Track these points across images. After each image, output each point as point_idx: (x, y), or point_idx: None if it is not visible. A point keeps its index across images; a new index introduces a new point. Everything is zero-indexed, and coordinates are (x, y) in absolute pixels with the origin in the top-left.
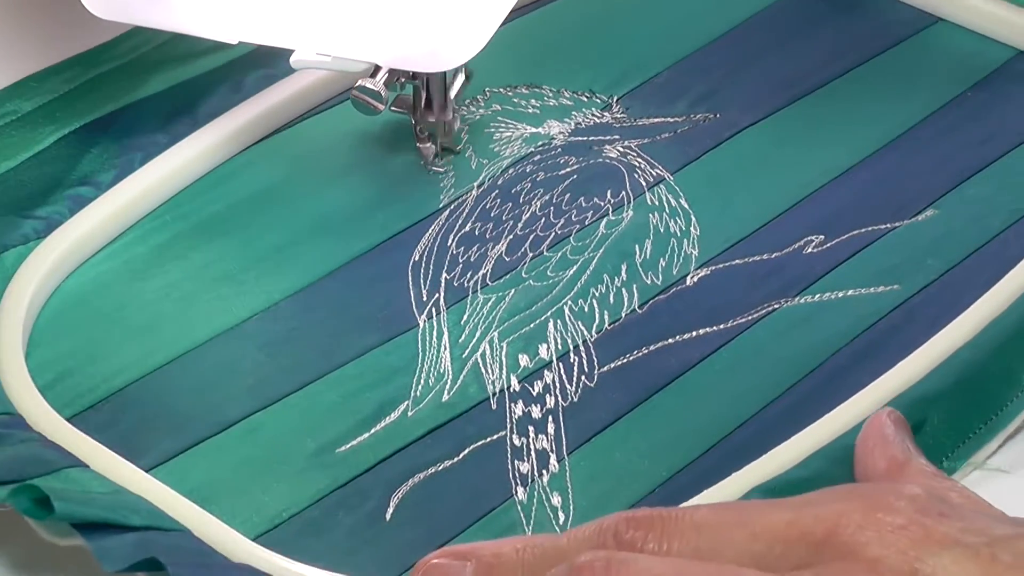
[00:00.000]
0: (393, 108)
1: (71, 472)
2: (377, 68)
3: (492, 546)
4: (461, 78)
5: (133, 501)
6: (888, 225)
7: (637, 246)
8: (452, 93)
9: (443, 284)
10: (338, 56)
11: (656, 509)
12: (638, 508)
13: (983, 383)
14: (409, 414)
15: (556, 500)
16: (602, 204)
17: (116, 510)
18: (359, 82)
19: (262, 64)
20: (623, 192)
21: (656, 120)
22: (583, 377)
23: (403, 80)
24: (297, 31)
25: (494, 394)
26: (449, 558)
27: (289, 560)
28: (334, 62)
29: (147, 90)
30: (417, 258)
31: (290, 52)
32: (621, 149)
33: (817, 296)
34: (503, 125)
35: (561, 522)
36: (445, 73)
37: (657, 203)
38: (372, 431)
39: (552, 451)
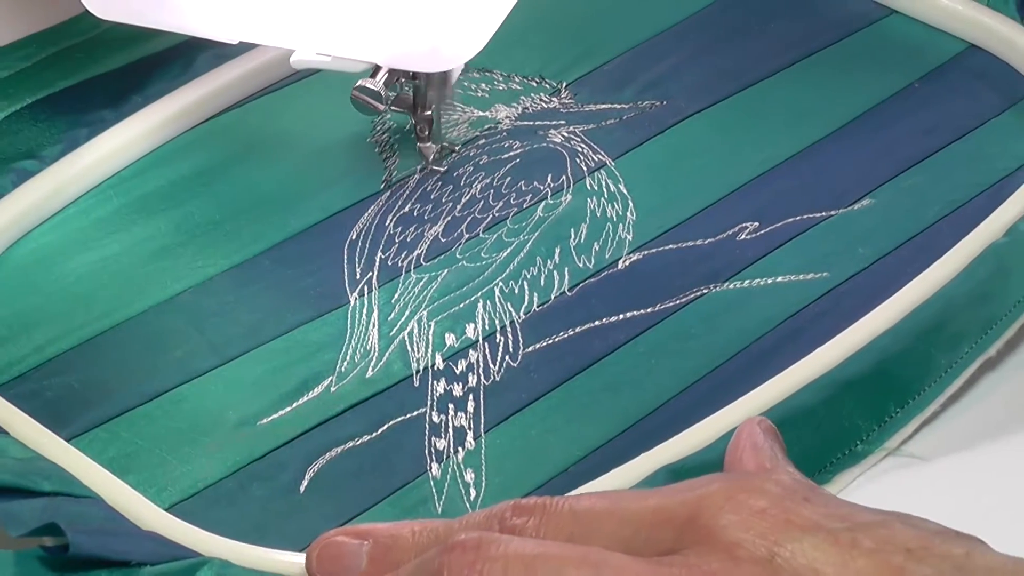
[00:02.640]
0: (393, 108)
1: None
2: (377, 68)
3: (390, 527)
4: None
5: (46, 468)
6: (823, 213)
7: (573, 229)
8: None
9: (377, 263)
10: (338, 56)
11: (543, 498)
12: (529, 497)
13: (901, 369)
14: (332, 389)
15: (469, 476)
16: (541, 188)
17: (26, 476)
18: (359, 82)
19: (214, 44)
20: (563, 176)
21: (603, 106)
22: (507, 357)
23: (403, 80)
24: (297, 31)
25: (417, 371)
26: (348, 536)
27: (197, 529)
28: (334, 62)
29: (101, 68)
30: (354, 237)
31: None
32: (566, 134)
33: (747, 282)
34: (451, 108)
35: (472, 498)
36: (445, 72)
37: (596, 188)
38: (294, 405)
39: (469, 428)
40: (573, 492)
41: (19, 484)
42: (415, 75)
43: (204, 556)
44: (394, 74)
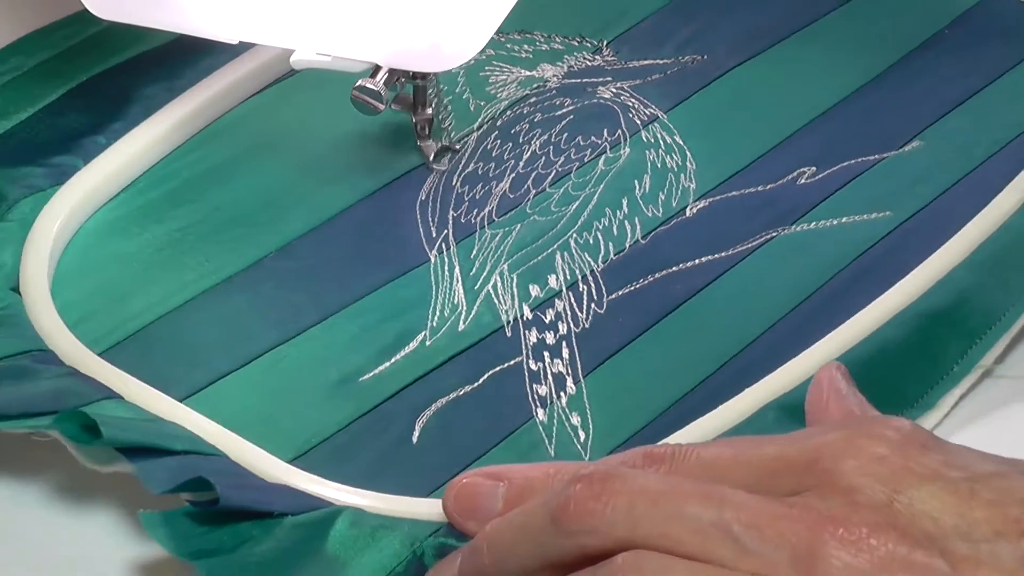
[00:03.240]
0: (393, 107)
1: (106, 403)
2: (377, 68)
3: (524, 469)
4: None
5: (171, 428)
6: (877, 156)
7: (636, 181)
8: None
9: (451, 221)
10: (338, 56)
11: (673, 445)
12: (658, 444)
13: (983, 295)
14: (427, 343)
15: (576, 420)
16: (599, 142)
17: (159, 436)
18: (359, 82)
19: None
20: (619, 131)
21: (645, 62)
22: (593, 304)
23: (403, 80)
24: (297, 31)
25: (508, 323)
26: (482, 478)
27: (324, 480)
28: (334, 62)
29: (150, 43)
30: (424, 198)
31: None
32: (614, 90)
33: (812, 224)
34: (497, 69)
35: (582, 440)
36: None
37: (652, 140)
38: (392, 360)
39: (568, 374)
40: (681, 430)
41: (153, 443)
42: (415, 75)
43: (339, 505)
44: (394, 74)
